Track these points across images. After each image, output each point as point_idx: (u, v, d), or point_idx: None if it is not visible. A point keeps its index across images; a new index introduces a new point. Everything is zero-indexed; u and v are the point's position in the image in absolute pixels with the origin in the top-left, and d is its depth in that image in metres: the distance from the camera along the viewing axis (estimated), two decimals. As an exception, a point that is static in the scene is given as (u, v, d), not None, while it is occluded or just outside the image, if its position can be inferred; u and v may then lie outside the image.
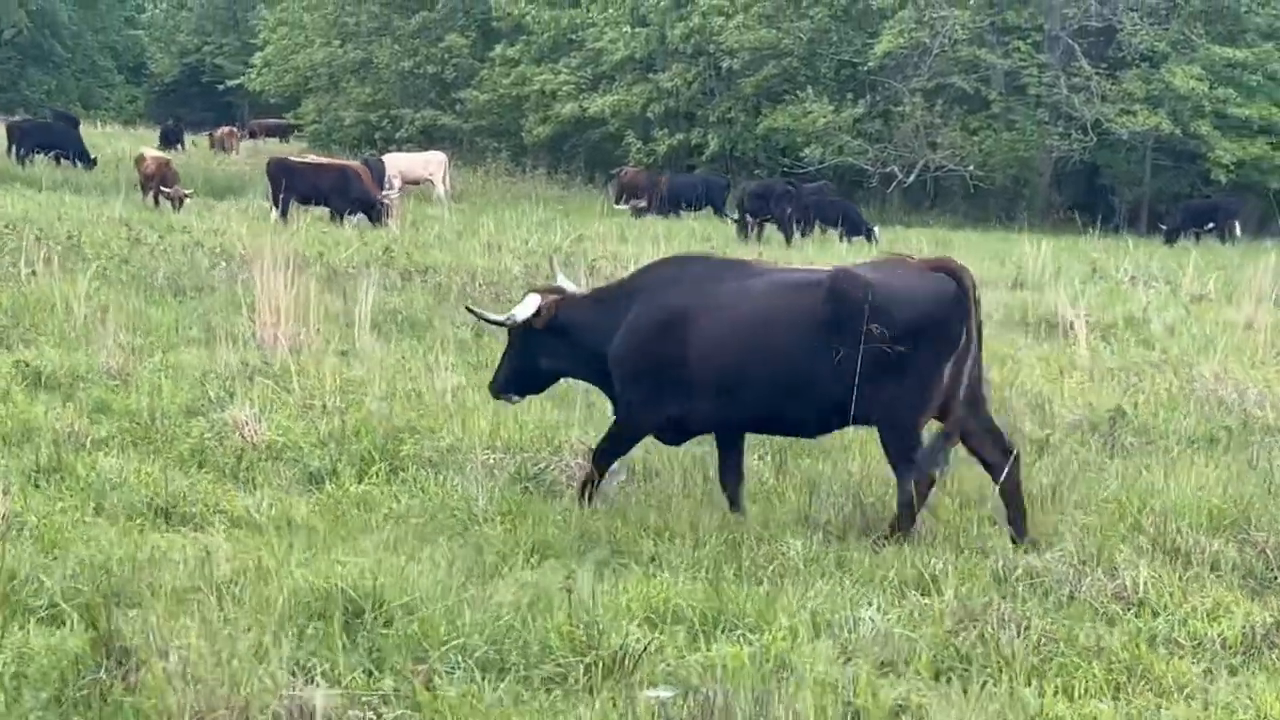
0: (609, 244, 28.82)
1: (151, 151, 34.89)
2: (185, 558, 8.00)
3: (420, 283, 20.36)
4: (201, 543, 8.42)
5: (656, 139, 50.91)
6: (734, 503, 9.56)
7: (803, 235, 34.70)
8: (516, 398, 10.42)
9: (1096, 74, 45.10)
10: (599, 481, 9.71)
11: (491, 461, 10.77)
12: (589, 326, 9.70)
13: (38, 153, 44.20)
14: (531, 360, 9.98)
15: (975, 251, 32.25)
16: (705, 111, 50.79)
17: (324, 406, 12.34)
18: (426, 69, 59.66)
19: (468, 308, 11.83)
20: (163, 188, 32.58)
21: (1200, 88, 44.03)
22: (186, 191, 33.13)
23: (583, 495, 9.73)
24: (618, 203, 42.97)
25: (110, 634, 6.33)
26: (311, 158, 35.28)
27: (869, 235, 34.65)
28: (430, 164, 44.72)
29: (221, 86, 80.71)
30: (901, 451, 8.97)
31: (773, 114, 48.35)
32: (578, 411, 12.03)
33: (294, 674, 6.38)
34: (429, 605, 7.11)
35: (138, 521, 9.24)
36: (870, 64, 46.83)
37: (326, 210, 31.83)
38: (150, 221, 27.97)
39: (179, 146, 59.08)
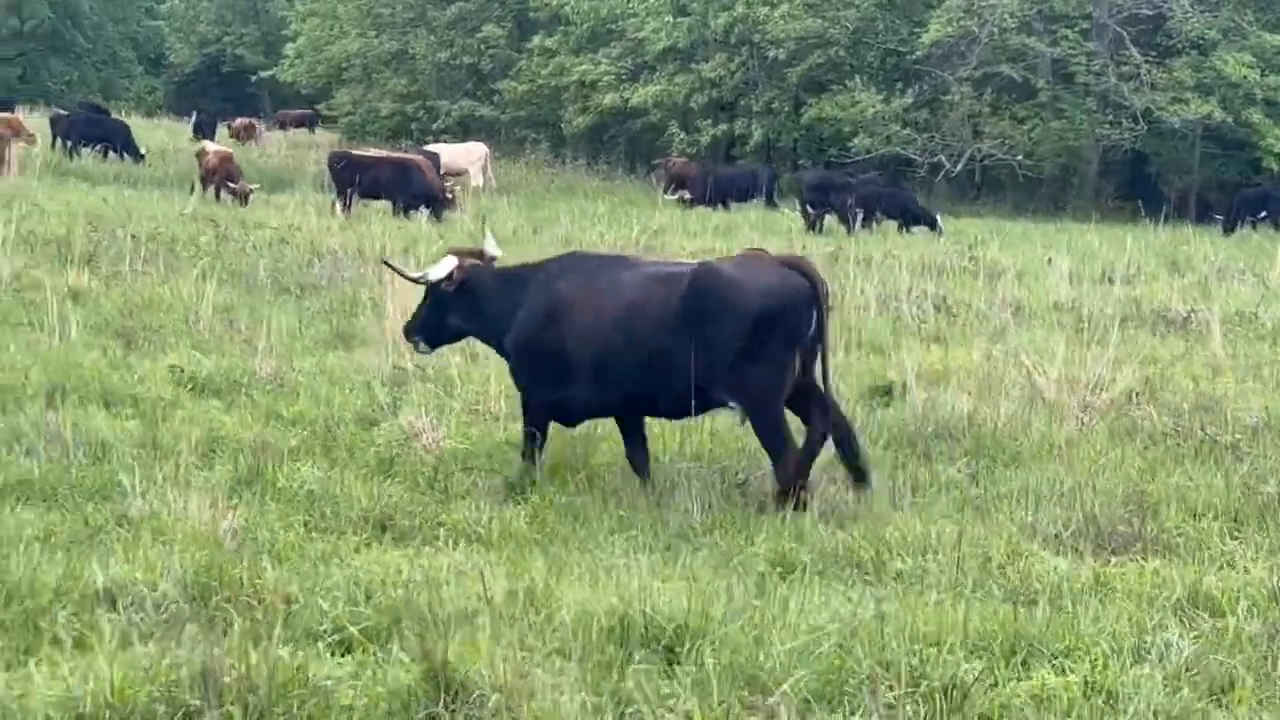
0: (674, 237, 28.66)
1: (213, 146, 34.66)
2: (446, 578, 7.80)
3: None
4: (441, 561, 8.25)
5: (700, 129, 50.59)
6: (639, 470, 10.33)
7: (863, 226, 34.39)
8: (425, 346, 11.30)
9: (1146, 61, 44.82)
10: (533, 469, 10.32)
11: (688, 471, 10.56)
12: (490, 298, 10.65)
13: (86, 146, 43.90)
14: (440, 315, 10.93)
15: (1034, 242, 32.09)
16: (748, 101, 50.49)
17: (492, 413, 12.15)
18: (463, 60, 59.43)
19: (384, 261, 13.04)
20: (228, 182, 32.34)
21: (1251, 75, 43.78)
22: (252, 186, 32.91)
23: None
24: (666, 193, 42.72)
25: (443, 665, 6.12)
26: (373, 151, 35.02)
27: (933, 225, 34.37)
28: (471, 155, 44.49)
29: (254, 78, 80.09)
30: (770, 432, 9.79)
31: (818, 104, 48.06)
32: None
33: (620, 706, 6.18)
34: (729, 630, 6.90)
35: (361, 536, 9.05)
36: (917, 53, 46.56)
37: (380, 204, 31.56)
38: (225, 217, 27.74)
39: (211, 138, 58.82)
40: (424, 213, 30.91)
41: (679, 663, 6.68)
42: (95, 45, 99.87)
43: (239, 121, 65.84)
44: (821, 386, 9.99)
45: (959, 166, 45.94)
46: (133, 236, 21.86)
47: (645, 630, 6.86)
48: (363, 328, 15.73)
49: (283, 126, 76.89)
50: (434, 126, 58.68)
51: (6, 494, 9.68)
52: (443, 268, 10.86)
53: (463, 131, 56.69)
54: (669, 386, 9.87)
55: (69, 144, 44.00)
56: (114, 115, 54.14)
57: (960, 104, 45.59)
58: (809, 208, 34.52)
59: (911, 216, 35.11)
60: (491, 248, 11.33)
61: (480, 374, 13.15)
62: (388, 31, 62.00)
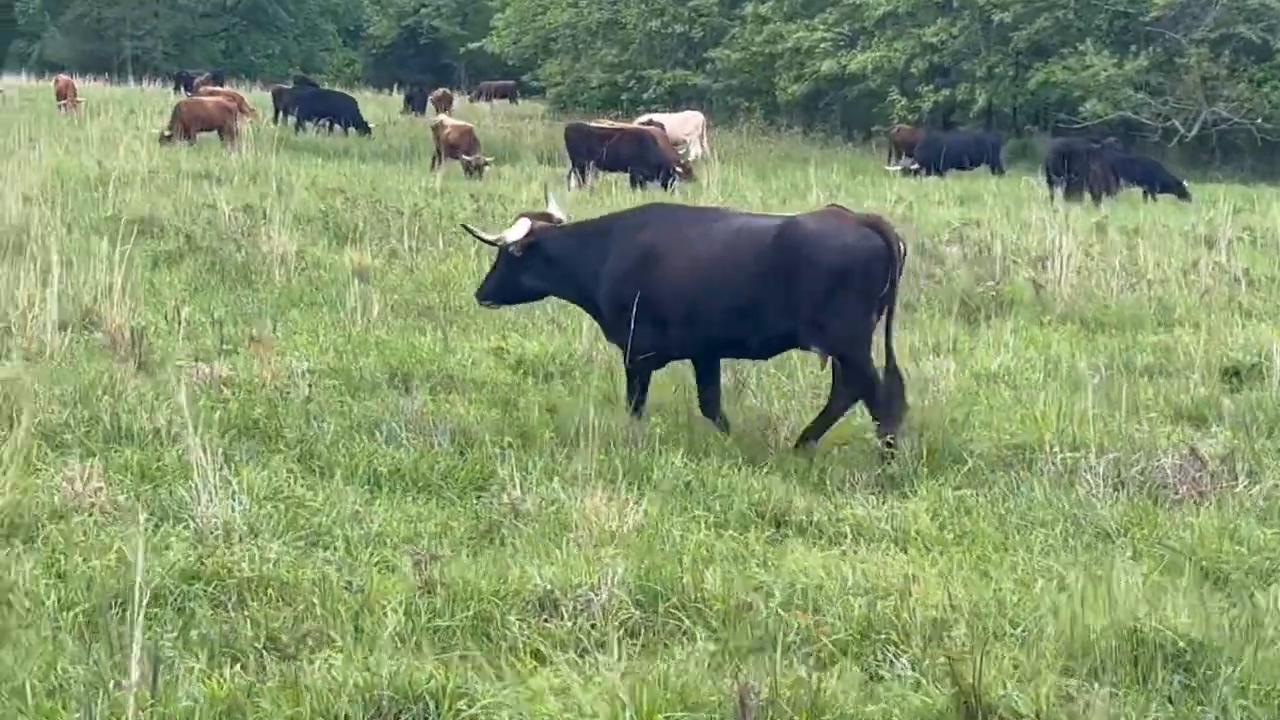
0: (926, 206, 27.91)
1: (451, 120, 34.53)
2: (894, 584, 7.32)
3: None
4: (872, 563, 7.79)
5: (920, 95, 49.57)
6: (713, 418, 10.93)
7: (1108, 193, 33.30)
8: (493, 305, 12.03)
9: (1397, 18, 43.00)
10: (641, 422, 10.72)
11: (1068, 462, 9.98)
12: (569, 254, 11.13)
13: (311, 120, 44.15)
14: (513, 276, 11.38)
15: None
16: (971, 66, 49.33)
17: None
18: (674, 28, 58.93)
19: (463, 225, 13.47)
20: (464, 155, 32.20)
21: None
22: (487, 159, 32.73)
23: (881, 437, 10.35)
24: (890, 162, 41.93)
25: (974, 689, 5.64)
26: (606, 123, 34.69)
27: (1182, 192, 33.20)
28: (689, 124, 43.95)
29: (463, 49, 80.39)
30: (859, 377, 10.38)
31: (1046, 68, 46.77)
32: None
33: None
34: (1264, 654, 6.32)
35: (761, 533, 8.61)
36: (1151, 14, 45.08)
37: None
38: (478, 191, 27.54)
39: (422, 111, 59.07)
40: (655, 184, 30.42)
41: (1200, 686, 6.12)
42: (296, 18, 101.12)
43: (437, 92, 66.13)
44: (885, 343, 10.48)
45: (1193, 131, 44.42)
46: (398, 212, 21.68)
47: (1159, 648, 6.30)
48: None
49: (484, 97, 77.20)
50: (644, 96, 58.28)
51: (382, 485, 9.39)
52: (518, 230, 11.24)
53: (673, 101, 56.20)
54: (757, 331, 10.47)
55: (296, 118, 44.26)
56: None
57: (1195, 66, 44.03)
58: (1053, 174, 33.46)
59: (1159, 183, 33.92)
60: (556, 210, 11.80)
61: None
62: (599, 2, 61.65)
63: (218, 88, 50.87)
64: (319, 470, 9.73)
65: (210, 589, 7.31)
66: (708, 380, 11.06)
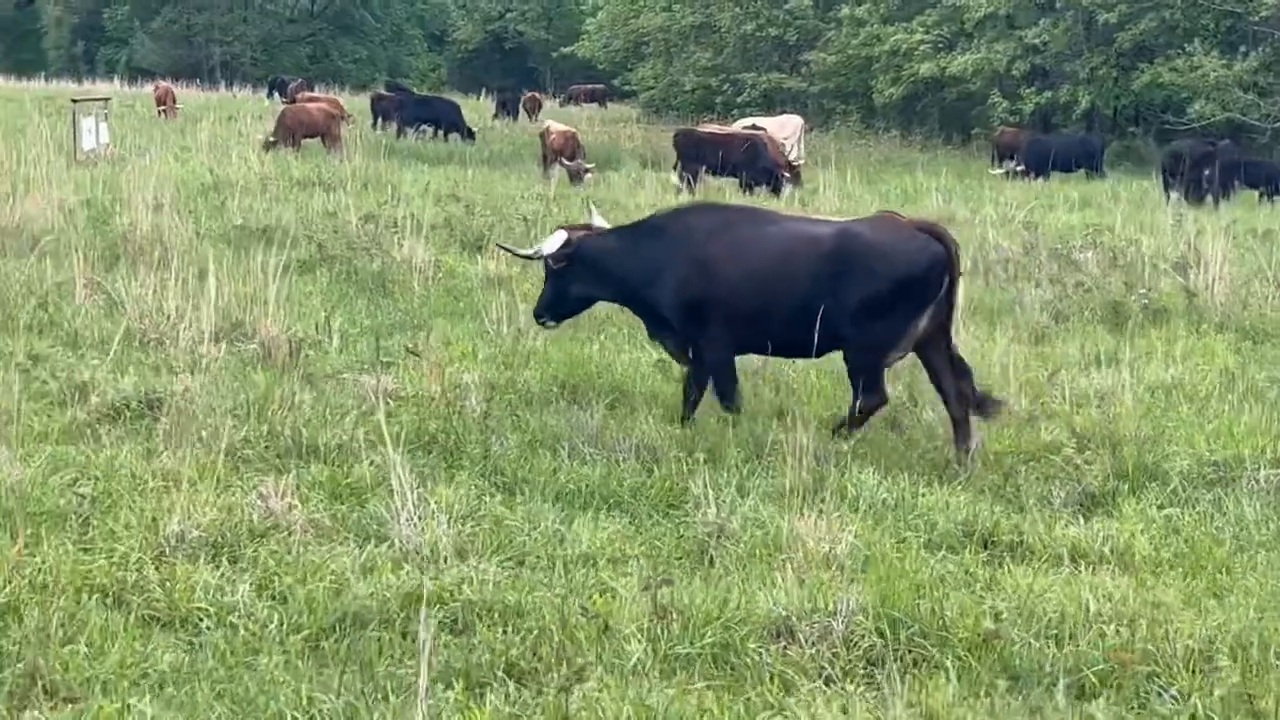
0: (1050, 212, 27.50)
1: (558, 125, 34.39)
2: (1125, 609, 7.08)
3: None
4: (1105, 587, 7.54)
5: (1022, 97, 49.02)
6: (691, 407, 11.16)
7: (1225, 196, 32.77)
8: (553, 323, 11.72)
9: None
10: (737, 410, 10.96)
11: (1273, 480, 9.70)
12: (618, 258, 11.17)
13: (413, 126, 44.18)
14: (563, 289, 11.38)
15: None
16: (1074, 68, 48.74)
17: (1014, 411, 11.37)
18: (769, 31, 58.62)
19: (498, 244, 13.58)
20: (566, 161, 32.04)
21: None
22: (589, 166, 32.56)
23: (839, 432, 10.64)
24: (994, 165, 41.49)
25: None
26: (715, 128, 34.48)
27: (1303, 194, 32.68)
28: (787, 128, 43.62)
29: (555, 54, 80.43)
30: (869, 376, 10.51)
31: (1151, 69, 46.14)
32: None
33: None
34: None
35: (974, 555, 8.38)
36: (1262, 13, 44.36)
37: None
38: (586, 197, 27.34)
39: (515, 116, 59.08)
40: (765, 189, 30.18)
41: None
42: (383, 24, 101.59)
43: (528, 96, 66.15)
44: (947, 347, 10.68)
45: (1303, 133, 43.70)
46: (523, 219, 21.56)
47: None
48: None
49: (574, 101, 77.26)
50: (738, 100, 58.05)
51: (571, 502, 9.23)
52: (553, 242, 11.32)
53: (767, 104, 55.97)
54: (811, 334, 10.39)
55: (398, 124, 44.31)
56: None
57: (1309, 67, 43.31)
58: (1169, 177, 32.98)
59: (1277, 186, 33.34)
60: (599, 221, 11.89)
61: (991, 368, 12.41)
62: (691, 5, 61.44)
63: (316, 94, 50.99)
64: (503, 486, 9.57)
65: (437, 613, 7.14)
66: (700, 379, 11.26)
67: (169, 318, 14.23)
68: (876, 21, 54.59)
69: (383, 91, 52.72)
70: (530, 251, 11.86)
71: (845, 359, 10.76)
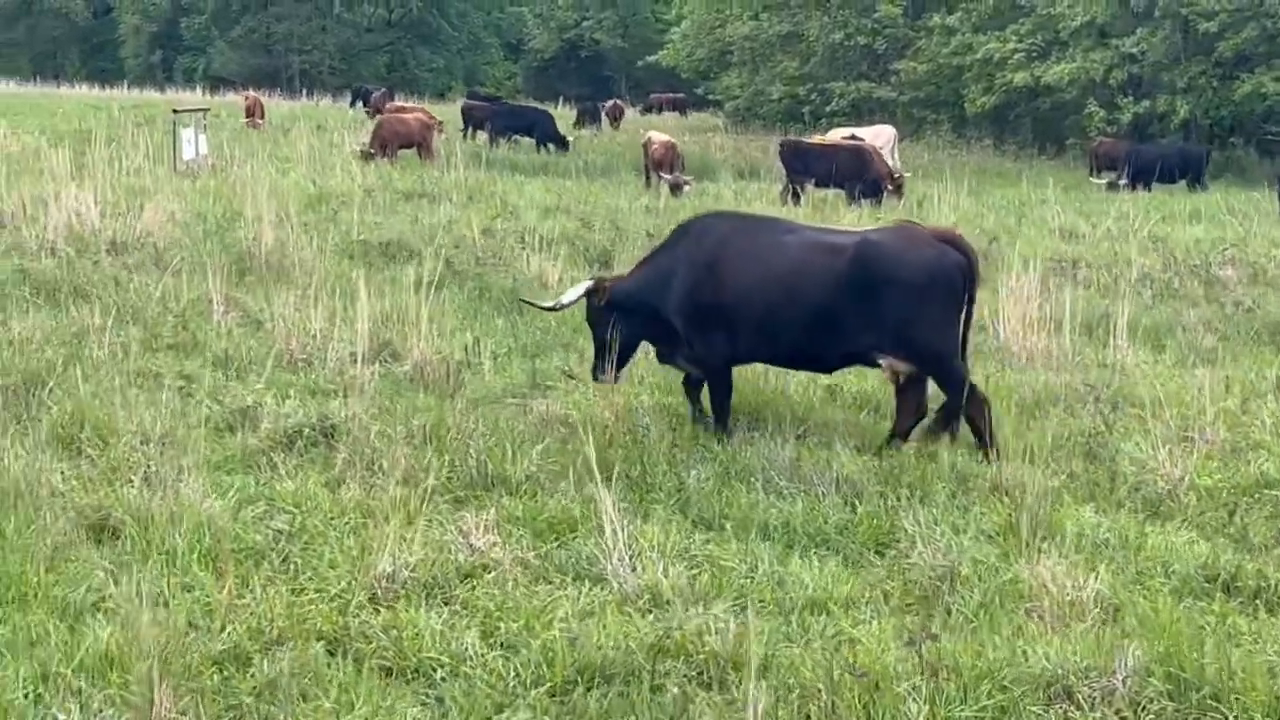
0: (1175, 225, 26.87)
1: (659, 136, 34.00)
2: None
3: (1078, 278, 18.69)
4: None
5: (1120, 107, 48.26)
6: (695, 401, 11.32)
7: (1337, 209, 32.07)
8: (614, 377, 11.20)
9: None
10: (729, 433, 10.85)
11: None
12: (646, 290, 11.14)
13: (505, 135, 43.93)
14: (604, 335, 11.23)
15: None
16: (1172, 77, 47.95)
17: (1230, 445, 10.88)
18: (857, 40, 58.04)
19: (520, 299, 13.41)
20: (665, 174, 31.64)
21: None
22: (687, 179, 32.06)
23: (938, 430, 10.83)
24: (1093, 175, 40.83)
25: None
26: (816, 138, 34.03)
27: None
28: (881, 137, 43.05)
29: (640, 62, 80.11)
30: (954, 387, 10.53)
31: (1254, 78, 45.28)
32: None
33: None
34: None
35: (1218, 602, 7.92)
36: (1368, 22, 43.53)
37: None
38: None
39: (598, 125, 58.72)
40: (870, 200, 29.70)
41: None
42: (460, 32, 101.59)
43: (609, 104, 65.84)
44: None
45: None
46: (647, 234, 21.21)
47: None
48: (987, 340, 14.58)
49: (654, 110, 76.92)
50: (826, 109, 57.50)
51: (773, 538, 8.83)
52: (576, 291, 11.50)
53: (855, 114, 55.41)
54: (832, 345, 10.61)
55: (491, 133, 44.07)
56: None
57: None
58: (1284, 189, 32.34)
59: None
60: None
61: (1180, 394, 11.94)
62: (779, 14, 60.96)
63: (405, 104, 50.87)
64: (701, 521, 9.19)
65: (683, 665, 6.77)
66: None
67: (314, 337, 13.95)
68: (968, 30, 53.90)
69: (473, 100, 52.38)
70: (551, 304, 11.89)
71: (931, 373, 10.75)
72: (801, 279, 10.61)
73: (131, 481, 9.31)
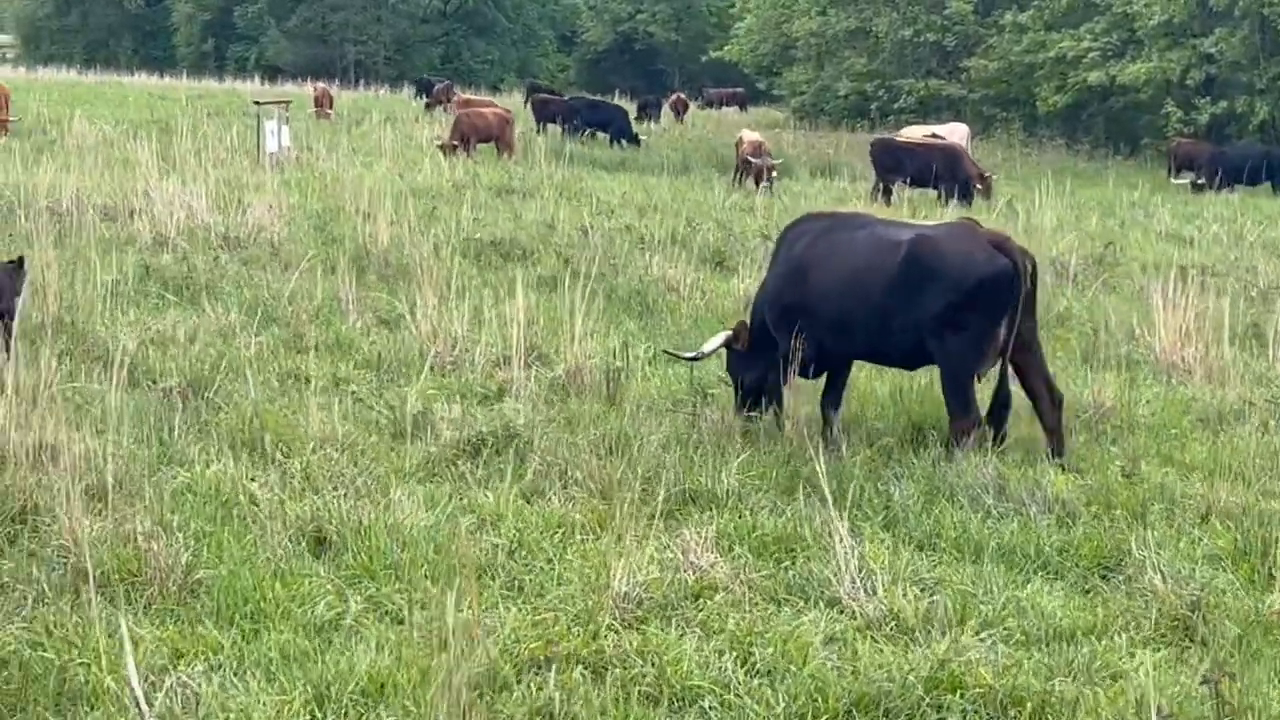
0: None
1: (750, 134, 33.79)
2: None
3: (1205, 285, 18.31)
4: None
5: (1197, 107, 47.81)
6: (828, 425, 11.11)
7: None
8: (757, 412, 11.28)
9: None
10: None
11: None
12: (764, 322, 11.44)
13: (581, 130, 43.77)
14: (756, 377, 11.38)
15: None
16: (1251, 77, 47.48)
17: None
18: (926, 36, 57.67)
19: (664, 350, 13.33)
20: (750, 157, 31.36)
21: None
22: (775, 161, 31.65)
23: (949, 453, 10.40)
24: (1174, 177, 40.43)
25: None
26: (904, 136, 33.75)
27: None
28: (955, 135, 42.74)
29: (703, 58, 79.81)
30: (955, 395, 10.53)
31: (1336, 79, 44.84)
32: None
33: None
34: None
35: None
36: None
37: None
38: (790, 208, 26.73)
39: (657, 119, 58.41)
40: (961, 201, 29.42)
41: None
42: (515, 24, 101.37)
43: (673, 97, 65.63)
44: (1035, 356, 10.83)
45: None
46: (763, 236, 20.98)
47: None
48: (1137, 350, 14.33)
49: (713, 105, 76.65)
50: (894, 106, 57.16)
51: (991, 558, 8.62)
52: (715, 340, 11.70)
53: (922, 111, 55.10)
54: (894, 342, 10.70)
55: (565, 128, 43.92)
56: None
57: None
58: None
59: None
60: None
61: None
62: (846, 9, 60.60)
63: (472, 97, 50.80)
64: (912, 540, 8.98)
65: (960, 699, 6.57)
66: (836, 386, 11.41)
67: (458, 340, 13.80)
68: (1040, 28, 53.46)
69: (546, 96, 52.20)
70: (693, 354, 11.92)
71: (940, 378, 10.78)
72: (865, 274, 10.82)
73: (334, 490, 9.15)
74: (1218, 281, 19.25)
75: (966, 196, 29.58)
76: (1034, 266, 10.77)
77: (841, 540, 8.06)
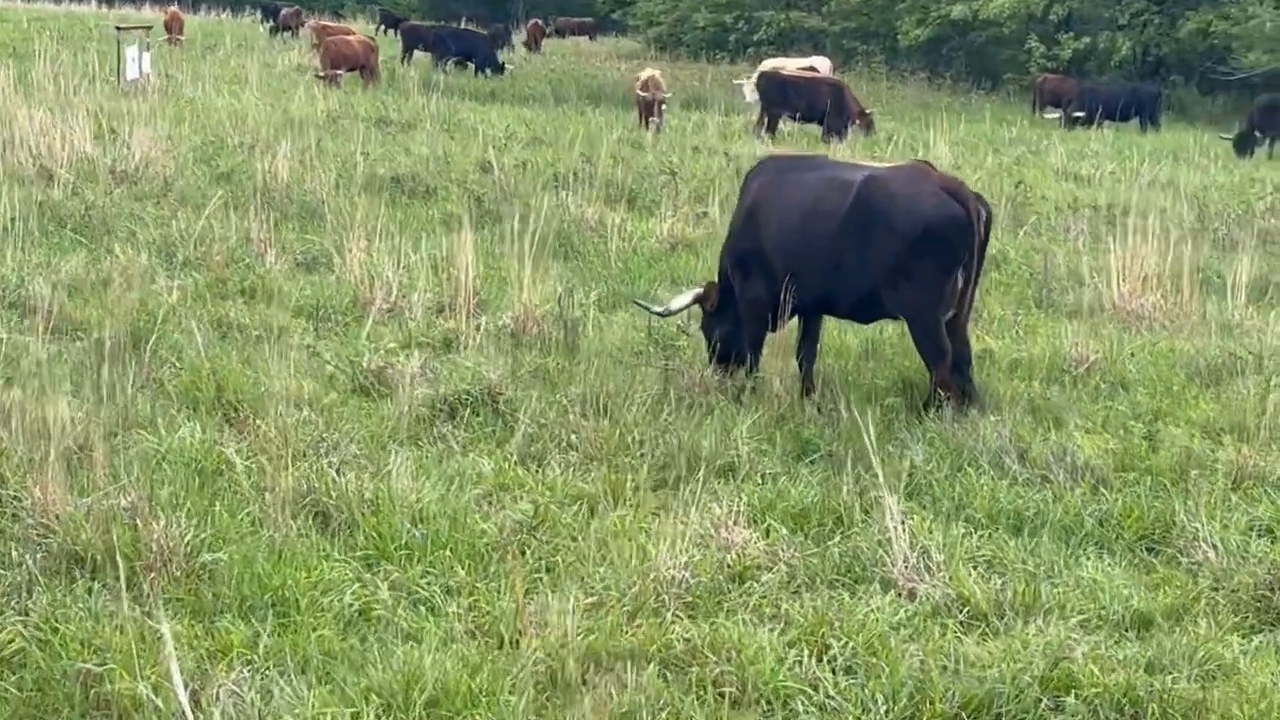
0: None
1: (649, 71, 32.80)
2: None
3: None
4: None
5: (1060, 43, 47.80)
6: (806, 380, 10.63)
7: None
8: (730, 369, 10.79)
9: None
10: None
11: None
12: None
13: (448, 60, 42.68)
14: (730, 330, 10.91)
15: None
16: (1114, 13, 47.59)
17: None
18: (789, -33, 57.12)
19: (635, 301, 12.62)
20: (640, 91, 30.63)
21: None
22: (665, 95, 30.89)
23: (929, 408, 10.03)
24: (1041, 112, 40.42)
25: None
26: (792, 69, 33.16)
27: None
28: (821, 69, 42.43)
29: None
30: (927, 344, 10.00)
31: (1198, 16, 44.96)
32: None
33: None
34: None
35: None
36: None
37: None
38: (697, 145, 26.11)
39: (510, 49, 57.07)
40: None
41: None
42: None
43: (530, 25, 64.56)
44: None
45: (1352, 85, 42.52)
46: (672, 173, 20.33)
47: None
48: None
49: (561, 34, 75.56)
50: (754, 38, 56.55)
51: (1021, 527, 8.13)
52: (683, 299, 11.21)
53: (783, 43, 54.62)
54: (846, 290, 10.18)
55: (436, 57, 42.80)
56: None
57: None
58: (1257, 132, 32.12)
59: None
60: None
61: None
62: (706, -62, 59.83)
63: (330, 24, 49.44)
64: (939, 510, 8.46)
65: (1078, 703, 6.06)
66: (810, 338, 10.87)
67: (391, 286, 13.05)
68: (902, -39, 53.10)
69: (417, 24, 50.79)
70: (661, 309, 11.37)
71: (908, 329, 10.36)
72: (815, 217, 10.31)
73: (320, 458, 8.40)
74: (1140, 223, 18.95)
75: (841, 132, 29.16)
76: (988, 215, 10.25)
77: (893, 517, 7.48)
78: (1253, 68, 42.61)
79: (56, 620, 6.33)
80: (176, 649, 6.00)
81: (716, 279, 11.24)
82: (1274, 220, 19.51)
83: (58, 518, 7.14)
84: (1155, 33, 46.56)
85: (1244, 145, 32.21)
